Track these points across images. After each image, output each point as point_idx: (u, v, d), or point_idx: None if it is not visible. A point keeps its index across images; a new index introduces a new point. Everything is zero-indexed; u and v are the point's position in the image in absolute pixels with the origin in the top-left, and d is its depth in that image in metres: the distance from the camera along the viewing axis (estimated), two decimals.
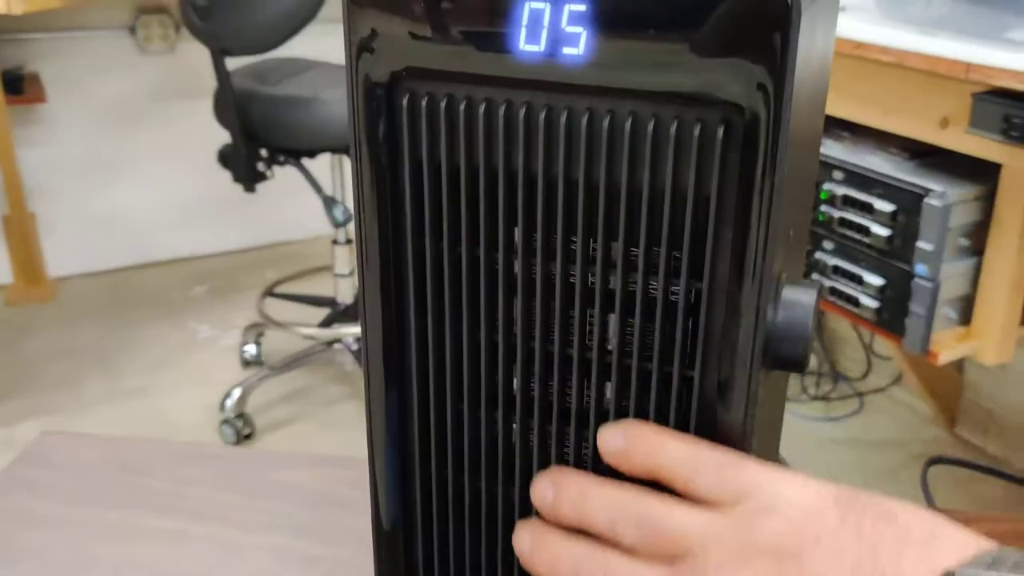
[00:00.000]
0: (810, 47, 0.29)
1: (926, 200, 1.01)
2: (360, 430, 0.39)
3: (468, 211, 0.32)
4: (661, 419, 0.33)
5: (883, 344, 2.10)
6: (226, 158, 1.89)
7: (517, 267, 0.33)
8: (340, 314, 2.20)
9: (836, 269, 1.14)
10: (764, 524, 0.31)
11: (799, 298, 0.31)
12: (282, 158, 1.87)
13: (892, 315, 1.08)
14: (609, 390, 0.33)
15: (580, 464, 0.35)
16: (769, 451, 0.41)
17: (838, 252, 1.14)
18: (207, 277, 2.77)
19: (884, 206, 1.06)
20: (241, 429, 2.00)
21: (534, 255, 0.32)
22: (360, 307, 0.36)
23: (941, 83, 1.00)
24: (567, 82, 0.29)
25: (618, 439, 0.33)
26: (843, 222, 1.12)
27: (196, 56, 2.53)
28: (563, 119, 0.30)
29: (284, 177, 2.07)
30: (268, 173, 1.89)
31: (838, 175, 1.12)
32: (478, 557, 0.38)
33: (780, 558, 0.31)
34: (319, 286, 2.44)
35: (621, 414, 0.33)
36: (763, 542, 0.31)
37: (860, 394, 2.15)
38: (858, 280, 1.11)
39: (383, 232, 0.34)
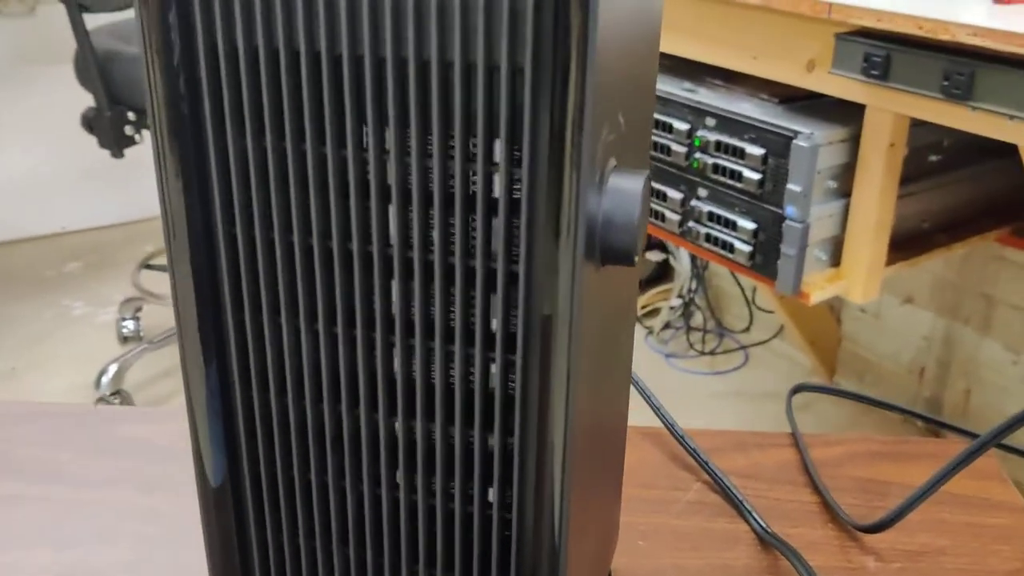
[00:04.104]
0: None
1: (794, 142, 1.02)
2: None
3: (270, 99, 0.30)
4: (487, 316, 0.31)
5: (765, 298, 2.15)
6: (91, 122, 1.79)
7: (329, 161, 0.30)
8: None
9: (711, 216, 1.15)
10: None
11: (625, 185, 0.30)
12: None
13: (765, 258, 1.09)
14: (435, 293, 0.31)
15: (408, 379, 0.33)
16: (618, 360, 0.40)
17: (712, 199, 1.15)
18: (81, 252, 2.65)
19: (755, 150, 1.07)
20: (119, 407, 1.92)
21: (345, 145, 0.30)
22: (163, 216, 0.33)
23: (806, 25, 1.01)
24: None
25: None
26: (716, 168, 1.13)
27: (58, 18, 2.40)
28: None
29: None
30: (137, 137, 1.80)
31: (710, 122, 1.12)
32: (309, 505, 0.36)
33: None
34: None
35: (448, 317, 0.31)
36: None
37: (744, 347, 2.20)
38: (732, 225, 1.12)
39: (180, 132, 0.31)
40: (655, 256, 2.34)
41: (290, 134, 0.30)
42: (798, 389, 0.67)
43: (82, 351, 2.17)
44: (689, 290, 2.27)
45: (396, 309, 0.32)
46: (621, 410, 0.44)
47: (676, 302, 2.30)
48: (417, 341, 0.32)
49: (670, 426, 0.60)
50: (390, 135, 0.29)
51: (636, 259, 0.30)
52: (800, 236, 1.04)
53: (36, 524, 0.53)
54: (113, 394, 1.92)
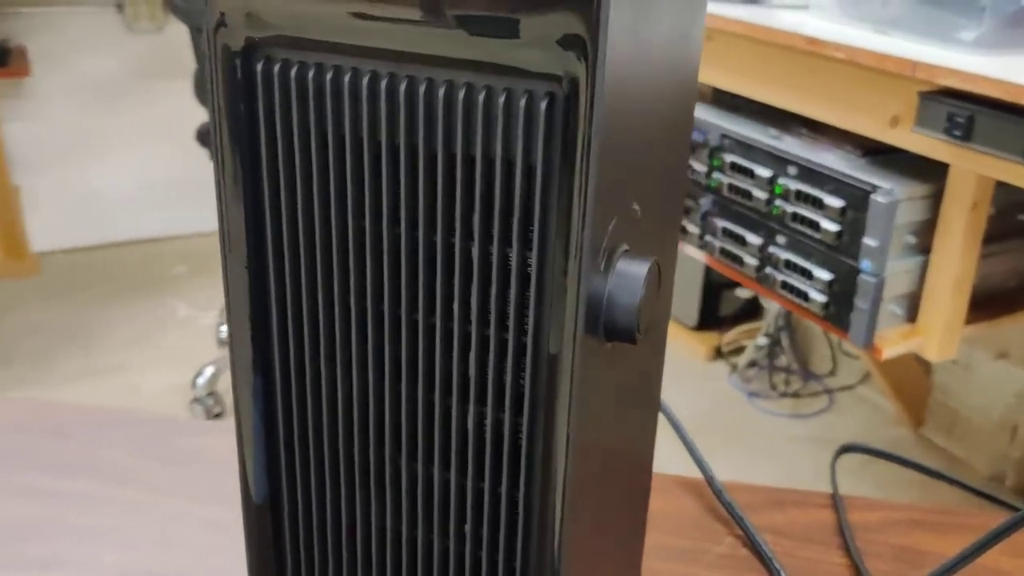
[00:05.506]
0: (639, 19, 0.30)
1: (873, 197, 1.02)
2: None
3: (319, 176, 0.33)
4: (499, 380, 0.34)
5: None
6: (205, 137, 1.89)
7: (367, 234, 0.34)
8: None
9: (788, 263, 1.15)
10: None
11: (630, 270, 0.32)
12: None
13: (839, 310, 1.09)
14: (453, 353, 0.34)
15: (428, 430, 0.36)
16: (637, 423, 0.42)
17: (790, 246, 1.15)
18: (189, 257, 2.79)
19: (834, 202, 1.07)
20: (211, 407, 2.01)
21: (380, 220, 0.33)
22: (224, 279, 0.37)
23: (891, 81, 1.01)
24: (406, 50, 0.31)
25: None
26: (795, 217, 1.13)
27: (183, 36, 2.54)
28: (403, 87, 0.31)
29: None
30: None
31: (792, 170, 1.13)
32: (338, 533, 0.40)
33: None
34: None
35: (464, 376, 0.34)
36: None
37: (829, 391, 2.16)
38: (808, 274, 1.12)
39: (245, 199, 0.35)
40: (744, 293, 2.32)
41: (334, 208, 0.34)
42: (845, 449, 0.68)
43: (182, 351, 2.28)
44: (776, 329, 2.25)
45: (419, 367, 0.35)
46: (642, 465, 0.46)
47: (763, 340, 2.28)
48: (436, 397, 0.35)
49: (710, 479, 0.62)
50: (420, 213, 0.33)
51: (639, 338, 0.33)
52: (874, 290, 1.03)
53: (102, 524, 0.58)
54: (208, 395, 2.02)
